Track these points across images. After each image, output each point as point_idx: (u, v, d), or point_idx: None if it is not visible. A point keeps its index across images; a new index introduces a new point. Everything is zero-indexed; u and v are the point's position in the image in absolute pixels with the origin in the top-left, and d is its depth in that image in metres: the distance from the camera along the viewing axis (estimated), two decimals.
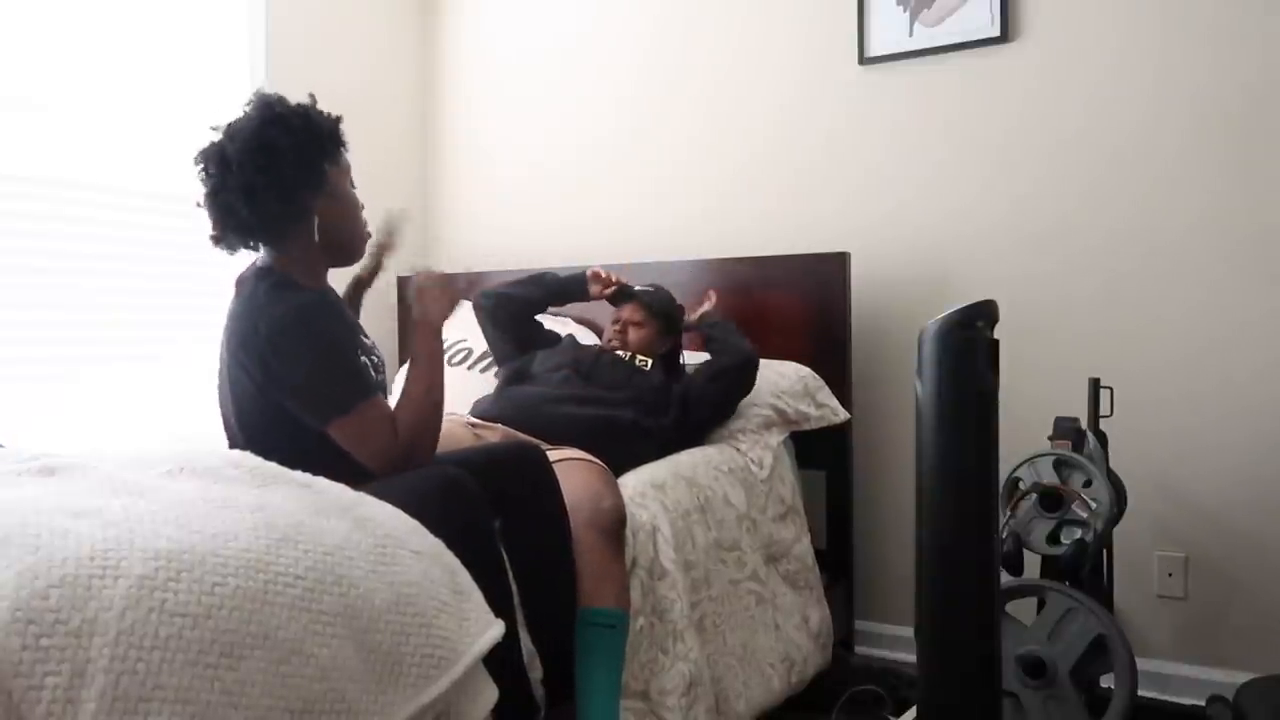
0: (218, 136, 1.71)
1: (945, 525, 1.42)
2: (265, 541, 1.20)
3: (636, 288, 2.49)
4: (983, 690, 1.42)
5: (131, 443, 2.54)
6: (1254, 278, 2.26)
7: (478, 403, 2.31)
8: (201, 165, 1.71)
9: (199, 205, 1.74)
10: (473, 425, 2.11)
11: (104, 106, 2.63)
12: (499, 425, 2.13)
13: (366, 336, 1.83)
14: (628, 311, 2.46)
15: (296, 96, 1.76)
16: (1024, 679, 1.83)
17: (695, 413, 2.31)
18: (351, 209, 1.80)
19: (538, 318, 2.59)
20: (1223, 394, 2.29)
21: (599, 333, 2.65)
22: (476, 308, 2.57)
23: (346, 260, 1.83)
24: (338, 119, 1.76)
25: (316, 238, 1.73)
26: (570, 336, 2.58)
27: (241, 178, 1.65)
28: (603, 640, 1.68)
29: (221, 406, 1.77)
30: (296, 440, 1.63)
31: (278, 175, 1.66)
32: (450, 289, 1.77)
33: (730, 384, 2.36)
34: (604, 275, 2.50)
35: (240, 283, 1.76)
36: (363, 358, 1.71)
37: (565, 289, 2.55)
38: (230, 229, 1.71)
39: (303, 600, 1.17)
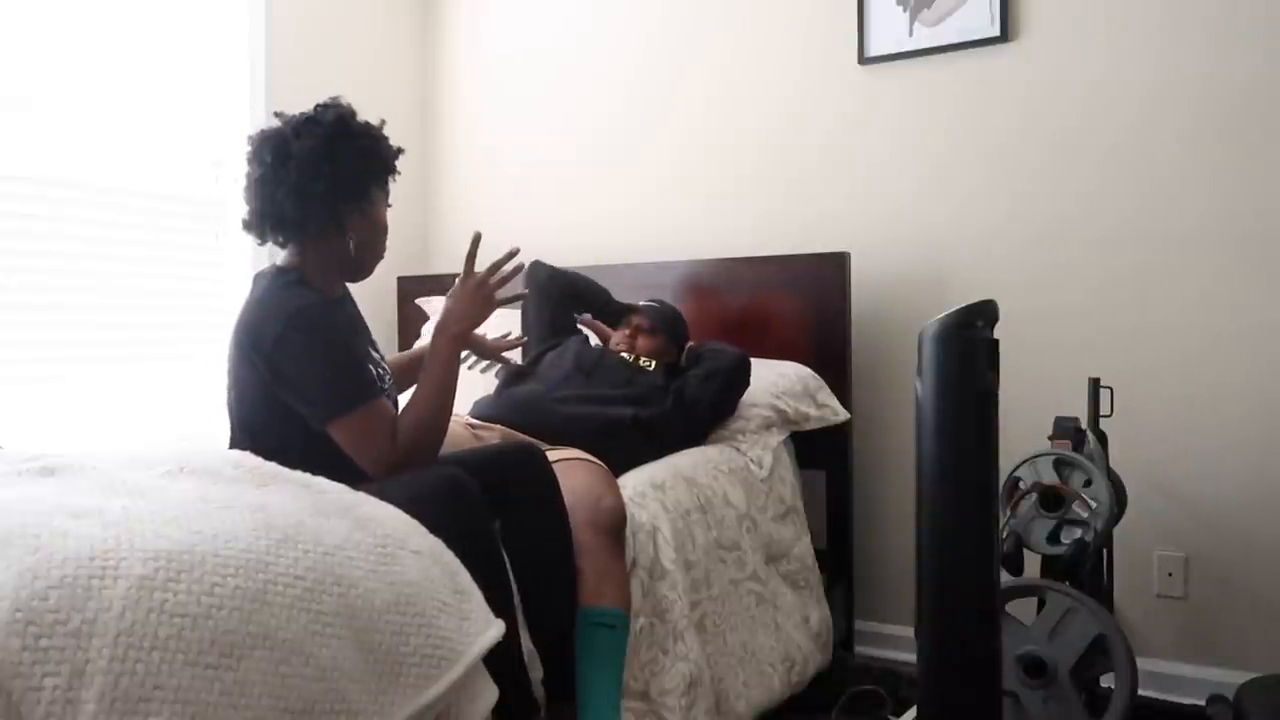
0: (278, 124, 1.73)
1: (945, 525, 1.42)
2: (265, 542, 1.20)
3: (640, 303, 2.52)
4: (983, 690, 1.42)
5: (131, 443, 2.54)
6: (1255, 277, 2.26)
7: (477, 403, 2.31)
8: (254, 149, 1.73)
9: (237, 181, 1.76)
10: (472, 426, 2.11)
11: (103, 106, 2.63)
12: (498, 426, 2.13)
13: (376, 350, 1.83)
14: (638, 318, 2.47)
15: (301, 98, 1.78)
16: (1024, 679, 1.83)
17: (693, 412, 2.31)
18: (381, 234, 1.83)
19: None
20: (1223, 394, 2.29)
21: (604, 338, 2.65)
22: (529, 275, 2.57)
23: (354, 277, 1.84)
24: (400, 150, 1.81)
25: (340, 252, 1.75)
26: (578, 335, 2.58)
27: (298, 178, 1.67)
28: (603, 640, 1.68)
29: (228, 401, 1.78)
30: (298, 438, 1.63)
31: (331, 187, 1.69)
32: (485, 297, 1.76)
33: (725, 383, 2.35)
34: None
35: (258, 277, 1.77)
36: (371, 369, 1.71)
37: (606, 308, 2.59)
38: (266, 220, 1.73)
39: (303, 600, 1.17)
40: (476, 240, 1.79)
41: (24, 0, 2.45)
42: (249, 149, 1.74)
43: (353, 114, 1.75)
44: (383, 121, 1.80)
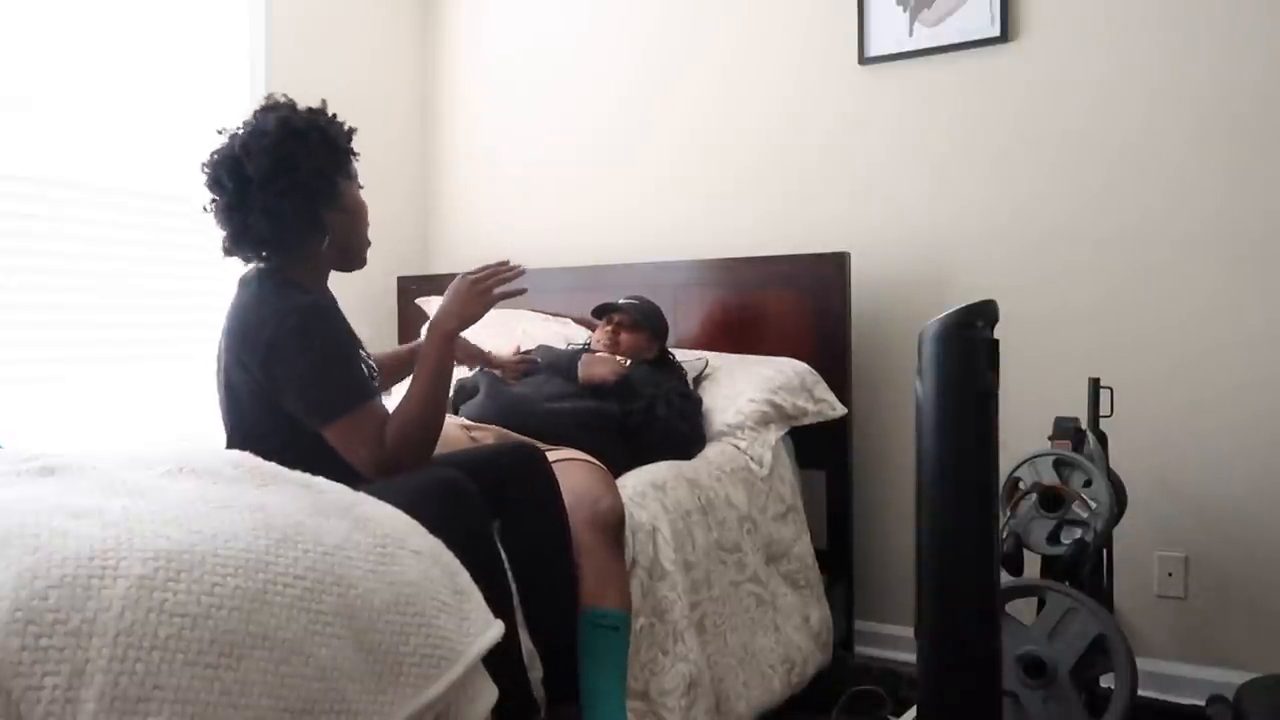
0: (225, 141, 1.70)
1: (945, 525, 1.42)
2: (265, 542, 1.20)
3: (620, 301, 2.49)
4: (983, 690, 1.42)
5: (131, 443, 2.54)
6: (1255, 278, 2.26)
7: (466, 405, 2.31)
8: (212, 175, 1.70)
9: (206, 210, 1.74)
10: (467, 427, 2.11)
11: (104, 106, 2.62)
12: (494, 426, 2.13)
13: (362, 347, 1.83)
14: (620, 315, 2.46)
15: (301, 97, 1.76)
16: (1024, 679, 1.83)
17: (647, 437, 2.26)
18: (361, 218, 1.82)
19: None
20: (1223, 394, 2.29)
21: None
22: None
23: (350, 266, 1.84)
24: (351, 130, 1.77)
25: (327, 248, 1.75)
26: (542, 346, 2.58)
27: (262, 198, 1.65)
28: (607, 642, 1.68)
29: (220, 403, 1.78)
30: (294, 439, 1.63)
31: (298, 196, 1.66)
32: (480, 294, 1.72)
33: (681, 442, 2.30)
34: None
35: (244, 281, 1.76)
36: (363, 368, 1.71)
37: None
38: (246, 244, 1.71)
39: (302, 600, 1.17)
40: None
41: (24, 0, 2.45)
42: (207, 175, 1.71)
43: (294, 110, 1.71)
44: (324, 101, 1.76)
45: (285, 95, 1.75)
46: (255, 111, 1.72)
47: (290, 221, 1.67)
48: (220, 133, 1.72)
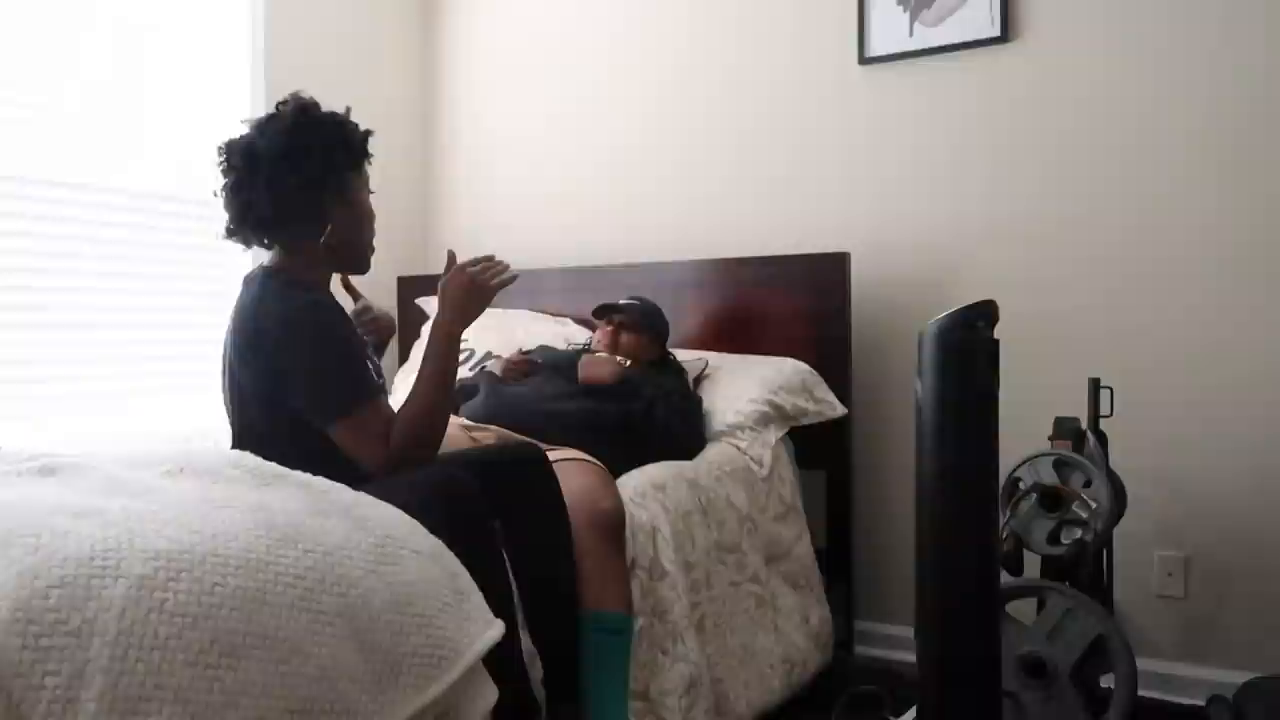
0: (246, 129, 1.73)
1: (945, 525, 1.42)
2: (265, 541, 1.20)
3: (621, 302, 2.49)
4: (983, 690, 1.42)
5: (131, 443, 2.54)
6: (1254, 278, 2.26)
7: (467, 405, 2.31)
8: (225, 157, 1.72)
9: (216, 195, 1.75)
10: (467, 428, 2.11)
11: (105, 106, 2.62)
12: (493, 426, 2.13)
13: (368, 345, 1.83)
14: (620, 315, 2.46)
15: (365, 112, 1.80)
16: (1024, 679, 1.83)
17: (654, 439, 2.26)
18: (367, 219, 1.82)
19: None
20: (1223, 393, 2.29)
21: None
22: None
23: (354, 268, 1.84)
24: (368, 132, 1.79)
25: (328, 241, 1.74)
26: (542, 346, 2.58)
27: (269, 175, 1.66)
28: (610, 646, 1.68)
29: (225, 403, 1.78)
30: (298, 438, 1.63)
31: (305, 176, 1.68)
32: (480, 288, 1.72)
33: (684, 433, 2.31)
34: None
35: (248, 280, 1.76)
36: (369, 365, 1.71)
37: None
38: (248, 224, 1.72)
39: (302, 600, 1.17)
40: (451, 257, 1.78)
41: (26, 1, 2.45)
42: (219, 159, 1.73)
43: (314, 104, 1.74)
44: (348, 108, 1.78)
45: (309, 95, 1.77)
46: (277, 103, 1.75)
47: (291, 203, 1.68)
48: (244, 123, 1.75)
